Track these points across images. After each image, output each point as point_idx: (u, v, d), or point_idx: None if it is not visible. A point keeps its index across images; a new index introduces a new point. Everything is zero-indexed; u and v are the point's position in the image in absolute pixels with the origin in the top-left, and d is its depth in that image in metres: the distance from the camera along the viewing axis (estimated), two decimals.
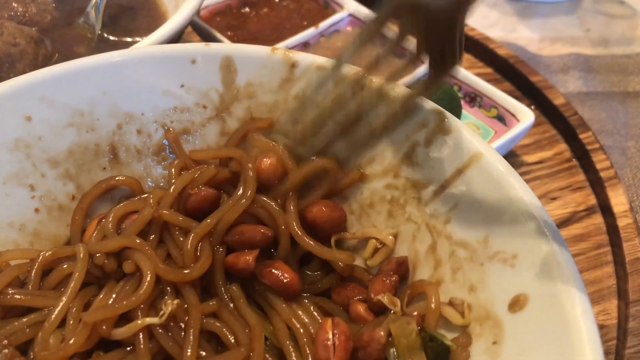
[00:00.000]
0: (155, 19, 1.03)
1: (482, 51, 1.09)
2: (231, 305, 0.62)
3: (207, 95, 0.74)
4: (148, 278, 0.60)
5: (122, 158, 0.75)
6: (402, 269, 0.64)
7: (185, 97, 0.74)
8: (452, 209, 0.61)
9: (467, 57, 1.08)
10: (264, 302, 0.64)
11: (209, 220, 0.65)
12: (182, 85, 0.74)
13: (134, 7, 1.06)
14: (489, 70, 1.05)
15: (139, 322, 0.58)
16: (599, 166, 0.87)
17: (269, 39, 1.03)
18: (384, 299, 0.59)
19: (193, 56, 0.73)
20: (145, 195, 0.71)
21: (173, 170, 0.71)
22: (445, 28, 0.52)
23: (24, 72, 0.90)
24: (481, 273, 0.57)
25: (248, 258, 0.63)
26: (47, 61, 0.94)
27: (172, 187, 0.67)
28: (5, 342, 0.59)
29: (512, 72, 1.04)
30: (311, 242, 0.63)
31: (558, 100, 0.97)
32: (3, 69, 0.90)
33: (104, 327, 0.59)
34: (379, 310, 0.62)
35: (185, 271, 0.62)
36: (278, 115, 0.73)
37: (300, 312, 0.62)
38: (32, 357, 0.60)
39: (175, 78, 0.73)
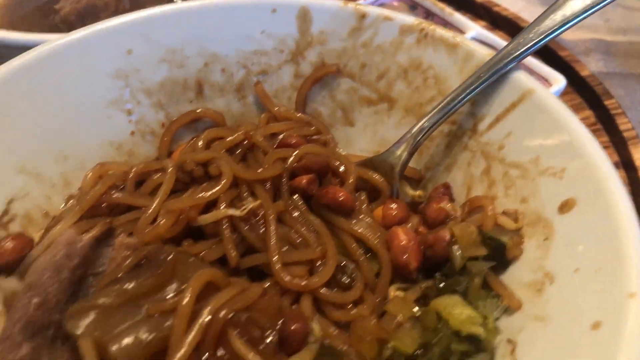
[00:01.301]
0: None
1: (514, 28, 1.19)
2: (295, 213, 0.71)
3: (284, 41, 0.84)
4: (226, 176, 0.68)
5: (207, 93, 0.85)
6: (449, 192, 0.74)
7: (264, 42, 0.84)
8: (506, 137, 0.71)
9: (500, 34, 1.18)
10: (324, 220, 0.71)
11: (289, 150, 0.74)
12: (262, 32, 0.84)
13: None
14: None
15: (222, 210, 0.67)
16: (622, 127, 0.97)
17: None
18: (447, 206, 0.68)
19: (274, 6, 0.83)
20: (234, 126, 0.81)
21: (263, 117, 0.84)
22: None
23: None
24: (532, 187, 0.66)
25: (303, 179, 0.71)
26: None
27: (266, 127, 0.78)
28: (119, 230, 0.68)
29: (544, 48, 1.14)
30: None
31: (584, 72, 1.07)
32: (88, 19, 1.00)
33: (191, 214, 0.67)
34: (435, 227, 0.71)
35: (259, 170, 0.70)
36: (346, 61, 0.83)
37: (361, 225, 0.70)
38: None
39: (257, 25, 0.83)
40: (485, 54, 0.74)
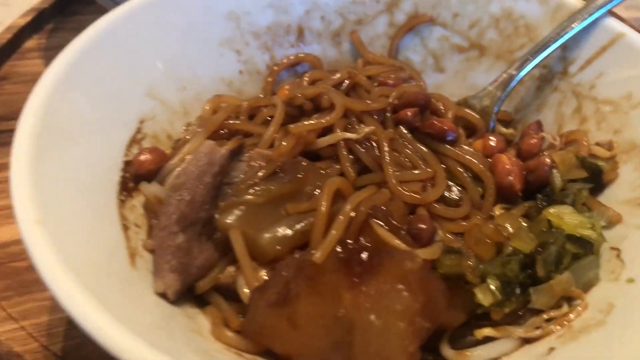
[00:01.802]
0: None
1: None
2: (402, 140, 0.76)
3: None
4: (339, 105, 0.74)
5: (307, 38, 0.91)
6: (541, 128, 0.80)
7: None
8: (597, 77, 0.77)
9: None
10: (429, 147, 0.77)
11: (390, 89, 0.80)
12: None
13: None
14: None
15: (340, 133, 0.72)
16: None
17: None
18: (548, 136, 0.75)
19: None
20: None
21: (359, 62, 0.89)
22: None
23: None
24: (625, 119, 0.72)
25: (408, 111, 0.77)
26: None
27: (364, 69, 0.85)
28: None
29: None
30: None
31: None
32: None
33: (310, 137, 0.73)
34: (527, 159, 0.77)
35: (368, 102, 0.76)
36: (440, 11, 0.90)
37: (465, 152, 0.76)
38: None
39: None
40: (575, 3, 0.80)
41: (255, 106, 0.82)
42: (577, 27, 0.78)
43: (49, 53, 1.14)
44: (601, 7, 0.77)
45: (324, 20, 0.91)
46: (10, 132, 0.98)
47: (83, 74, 0.69)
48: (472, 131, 0.82)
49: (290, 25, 0.90)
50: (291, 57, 0.90)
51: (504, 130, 0.82)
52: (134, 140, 0.73)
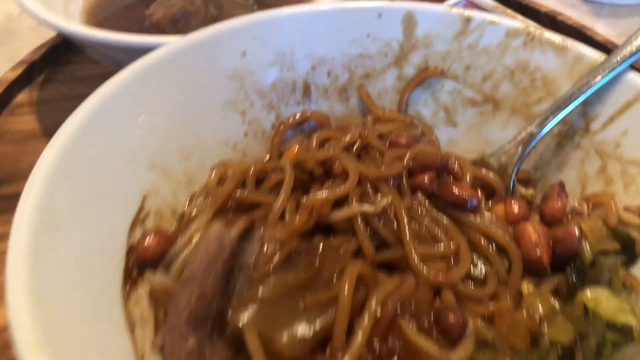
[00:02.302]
0: None
1: (579, 36, 1.22)
2: (420, 209, 0.73)
3: (388, 45, 0.86)
4: (353, 173, 0.70)
5: (313, 95, 0.87)
6: (564, 190, 0.76)
7: (369, 46, 0.86)
8: (621, 135, 0.73)
9: None
10: (449, 216, 0.74)
11: (404, 150, 0.76)
12: (367, 35, 0.86)
13: None
14: None
15: (356, 206, 0.69)
16: None
17: None
18: (575, 203, 0.71)
19: (379, 11, 0.85)
20: (342, 128, 0.83)
21: (369, 118, 0.86)
22: None
23: (197, 27, 1.02)
24: None
25: (424, 176, 0.74)
26: (213, 21, 1.06)
27: (375, 128, 0.81)
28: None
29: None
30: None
31: None
32: (180, 23, 1.02)
33: (324, 209, 0.69)
34: (553, 224, 0.73)
35: (382, 168, 0.73)
36: (450, 63, 0.86)
37: (487, 221, 0.72)
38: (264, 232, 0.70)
39: (362, 29, 0.86)
40: (595, 56, 0.77)
41: (263, 170, 0.78)
42: (599, 82, 0.74)
43: (41, 107, 1.10)
44: (623, 61, 0.74)
45: (331, 75, 0.87)
46: (5, 198, 0.94)
47: (81, 156, 0.64)
48: (490, 192, 0.78)
49: (296, 82, 0.86)
50: (297, 116, 0.86)
51: (523, 191, 0.78)
52: (137, 221, 0.69)
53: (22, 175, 0.95)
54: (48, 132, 1.04)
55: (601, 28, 1.43)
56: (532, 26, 0.81)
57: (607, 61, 0.75)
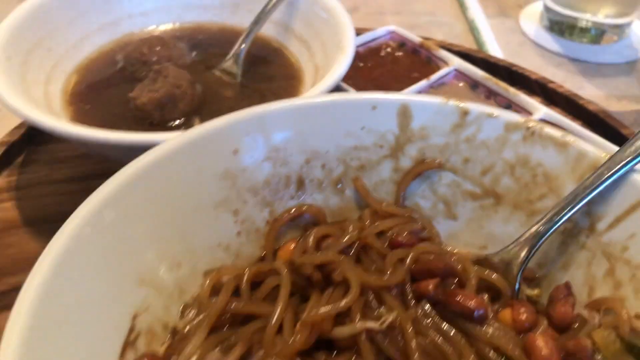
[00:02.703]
0: (288, 67, 1.13)
1: (570, 105, 1.22)
2: (426, 321, 0.70)
3: (384, 137, 0.84)
4: (355, 284, 0.68)
5: (307, 189, 0.84)
6: (571, 292, 0.74)
7: (364, 138, 0.84)
8: (629, 238, 0.71)
9: (557, 110, 1.20)
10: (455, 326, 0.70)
11: (405, 251, 0.74)
12: (362, 128, 0.84)
13: (265, 55, 1.17)
14: (578, 122, 1.17)
15: (360, 323, 0.66)
16: None
17: (391, 88, 1.14)
18: (584, 312, 0.68)
19: (374, 103, 0.83)
20: (339, 223, 0.80)
21: (366, 212, 0.83)
22: None
23: (184, 110, 1.00)
24: None
25: (429, 284, 0.71)
26: (200, 102, 1.04)
27: (374, 226, 0.78)
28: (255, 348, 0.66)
29: (601, 124, 1.17)
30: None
31: None
32: (167, 108, 0.99)
33: (325, 326, 0.66)
34: (562, 330, 0.71)
35: (385, 277, 0.70)
36: (448, 156, 0.84)
37: (495, 332, 0.69)
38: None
39: (357, 121, 0.83)
40: (598, 154, 0.75)
41: (258, 273, 0.75)
42: (604, 182, 0.72)
43: (21, 193, 1.05)
44: (629, 161, 0.72)
45: (325, 169, 0.84)
46: None
47: (66, 282, 0.60)
48: (495, 293, 0.75)
49: (289, 177, 0.83)
50: (292, 211, 0.83)
51: (529, 292, 0.76)
52: (128, 343, 0.65)
53: (4, 271, 0.91)
54: (29, 221, 1.00)
55: (590, 89, 1.43)
56: (532, 120, 0.80)
57: (611, 161, 0.73)
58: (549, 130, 0.78)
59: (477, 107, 0.82)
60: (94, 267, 0.64)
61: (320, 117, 0.82)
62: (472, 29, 1.59)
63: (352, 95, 0.84)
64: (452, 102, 0.82)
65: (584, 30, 1.55)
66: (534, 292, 0.76)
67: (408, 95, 0.84)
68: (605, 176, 0.72)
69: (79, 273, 0.62)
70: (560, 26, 1.58)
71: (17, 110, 0.84)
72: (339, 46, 1.00)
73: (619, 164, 0.72)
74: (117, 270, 0.67)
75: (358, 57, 1.25)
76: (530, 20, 1.65)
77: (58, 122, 0.83)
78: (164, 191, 0.73)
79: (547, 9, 1.61)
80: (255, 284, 0.75)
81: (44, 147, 1.13)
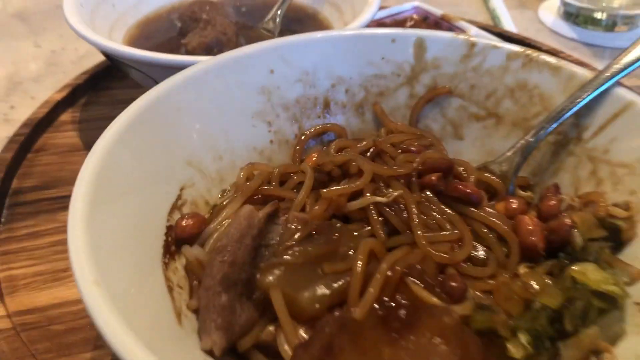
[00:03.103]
0: (320, 27, 1.27)
1: None
2: (428, 203, 0.80)
3: (401, 67, 0.97)
4: (367, 171, 0.78)
5: (332, 110, 0.97)
6: (559, 191, 0.84)
7: (384, 67, 0.97)
8: (610, 142, 0.81)
9: None
10: (455, 210, 0.81)
11: (414, 155, 0.85)
12: (382, 58, 0.96)
13: (301, 19, 1.31)
14: None
15: (369, 197, 0.77)
16: None
17: None
18: (567, 197, 0.79)
19: (393, 37, 0.96)
20: (358, 140, 0.93)
21: (382, 131, 0.95)
22: None
23: None
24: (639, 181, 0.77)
25: (433, 176, 0.82)
26: None
27: (388, 137, 0.90)
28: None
29: None
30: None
31: None
32: (214, 51, 1.13)
33: (341, 201, 0.77)
34: (547, 219, 0.81)
35: (395, 167, 0.81)
36: (457, 83, 0.96)
37: (489, 214, 0.79)
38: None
39: (377, 52, 0.96)
40: (586, 74, 0.86)
41: (286, 173, 0.87)
42: (588, 96, 0.83)
43: (83, 125, 1.20)
44: (611, 77, 0.83)
45: (349, 93, 0.97)
46: (49, 200, 1.04)
47: (129, 146, 0.74)
48: (492, 194, 0.86)
49: (317, 98, 0.96)
50: (318, 127, 0.95)
51: (522, 193, 0.86)
52: (175, 207, 0.78)
53: (64, 182, 1.05)
54: (88, 146, 1.13)
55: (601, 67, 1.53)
56: (530, 49, 0.91)
57: (597, 78, 0.84)
58: (544, 56, 0.90)
59: (483, 40, 0.94)
60: (150, 140, 0.77)
61: (345, 47, 0.96)
62: (493, 17, 1.72)
63: (374, 29, 0.97)
64: (462, 36, 0.95)
65: (598, 20, 1.66)
66: (527, 194, 0.87)
67: (424, 31, 0.96)
68: (589, 91, 0.83)
69: (138, 142, 0.75)
70: (575, 17, 1.70)
71: (85, 36, 0.99)
72: (366, 2, 1.13)
73: (602, 81, 0.83)
74: (169, 150, 0.80)
75: (385, 27, 1.39)
76: (549, 11, 1.77)
77: (117, 44, 0.98)
78: (211, 95, 0.86)
79: (563, 1, 1.73)
80: (282, 184, 0.87)
81: (104, 91, 1.29)
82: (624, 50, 0.85)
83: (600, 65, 1.51)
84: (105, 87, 1.30)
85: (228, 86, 0.88)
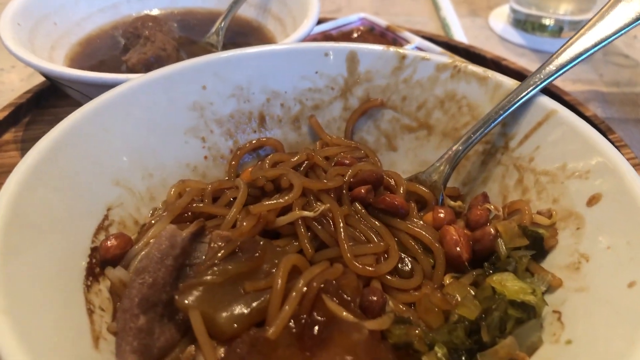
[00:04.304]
0: (264, 41, 1.28)
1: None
2: (357, 216, 0.81)
3: (334, 80, 0.97)
4: (297, 186, 0.79)
5: (268, 124, 0.97)
6: (487, 200, 0.85)
7: (318, 81, 0.97)
8: (534, 150, 0.83)
9: None
10: (382, 222, 0.81)
11: (346, 168, 0.86)
12: (316, 72, 0.97)
13: (246, 32, 1.32)
14: None
15: (297, 212, 0.77)
16: (626, 157, 1.10)
17: None
18: (491, 207, 0.80)
19: (326, 50, 0.97)
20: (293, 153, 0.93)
21: (318, 144, 0.96)
22: None
23: None
24: (561, 188, 0.78)
25: (362, 188, 0.82)
26: None
27: (322, 150, 0.90)
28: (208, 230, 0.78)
29: (548, 93, 1.29)
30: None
31: (588, 113, 1.21)
32: (154, 67, 1.13)
33: (269, 216, 0.77)
34: (475, 229, 0.82)
35: (325, 181, 0.81)
36: (389, 95, 0.96)
37: (416, 225, 0.80)
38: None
39: (311, 66, 0.97)
40: (511, 83, 0.87)
41: (219, 189, 0.87)
42: (513, 105, 0.84)
43: (26, 145, 1.19)
44: (535, 86, 0.84)
45: (284, 107, 0.97)
46: None
47: (52, 169, 0.73)
48: (423, 205, 0.87)
49: (252, 113, 0.96)
50: (253, 142, 0.96)
51: (452, 203, 0.87)
52: (101, 228, 0.77)
53: None
54: None
55: None
56: (459, 60, 0.92)
57: (521, 87, 0.85)
58: (472, 67, 0.91)
59: (412, 52, 0.95)
60: (76, 161, 0.77)
61: (280, 62, 0.96)
62: (444, 26, 1.74)
63: (307, 43, 0.98)
64: (392, 49, 0.96)
65: (545, 27, 1.69)
66: (457, 203, 0.87)
67: (355, 44, 0.97)
68: (515, 100, 0.84)
69: (63, 163, 0.75)
70: (524, 24, 1.72)
71: (18, 55, 0.98)
72: (305, 15, 1.14)
73: (526, 90, 0.85)
74: (95, 170, 0.79)
75: (331, 39, 1.40)
76: (499, 19, 1.79)
77: (55, 65, 0.97)
78: (140, 113, 0.86)
79: (512, 9, 1.75)
80: (216, 200, 0.87)
81: (49, 110, 1.28)
82: (547, 60, 0.87)
83: None
84: (50, 105, 1.29)
85: (158, 103, 0.88)
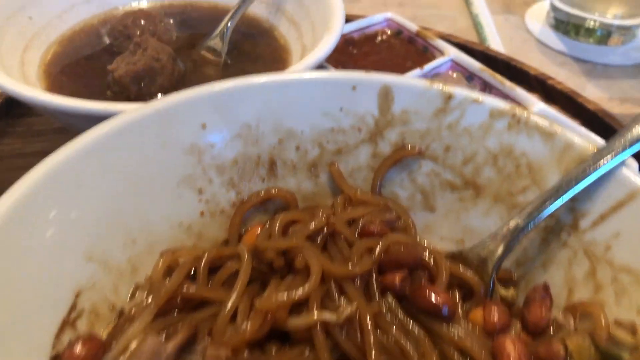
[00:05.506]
0: (275, 48, 1.09)
1: (569, 102, 1.17)
2: (390, 316, 0.65)
3: (363, 119, 0.80)
4: (316, 272, 0.63)
5: (279, 171, 0.80)
6: (549, 294, 0.69)
7: (342, 120, 0.80)
8: (613, 237, 0.66)
9: (556, 108, 1.14)
10: (420, 323, 0.65)
11: (374, 240, 0.69)
12: (341, 109, 0.79)
13: (254, 34, 1.13)
14: (577, 121, 1.12)
15: (316, 314, 0.61)
16: None
17: None
18: (560, 315, 0.63)
19: (354, 83, 0.79)
20: (309, 209, 0.76)
21: (339, 199, 0.79)
22: None
23: (162, 85, 0.96)
24: None
25: (395, 276, 0.67)
26: (180, 78, 0.99)
27: (345, 212, 0.74)
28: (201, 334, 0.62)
29: (601, 124, 1.11)
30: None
31: None
32: (145, 81, 0.95)
33: (279, 314, 0.61)
34: (536, 333, 0.66)
35: (349, 266, 0.65)
36: (429, 143, 0.79)
37: (462, 332, 0.64)
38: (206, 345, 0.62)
39: (335, 101, 0.79)
40: (586, 146, 0.70)
41: (218, 257, 0.70)
42: (590, 176, 0.67)
43: None
44: (617, 153, 0.67)
45: (300, 150, 0.80)
46: None
47: (5, 248, 0.56)
48: (467, 290, 0.71)
49: (260, 157, 0.79)
50: (261, 194, 0.79)
51: (503, 292, 0.71)
52: (67, 322, 0.61)
53: None
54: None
55: (592, 90, 1.37)
56: (518, 108, 0.75)
57: (599, 154, 0.68)
58: (535, 118, 0.74)
59: (461, 92, 0.77)
60: (36, 235, 0.60)
61: (296, 95, 0.78)
62: (476, 24, 1.54)
63: (331, 73, 0.80)
64: (436, 86, 0.78)
65: (591, 31, 1.50)
66: (510, 292, 0.71)
67: (390, 76, 0.79)
68: (591, 169, 0.67)
69: (15, 240, 0.58)
70: (566, 25, 1.53)
71: None
72: (327, 26, 0.95)
73: (606, 157, 0.67)
74: (62, 241, 0.63)
75: (352, 43, 1.21)
76: (536, 18, 1.60)
77: (21, 86, 0.79)
78: (122, 162, 0.69)
79: (553, 7, 1.56)
80: (215, 270, 0.71)
81: (21, 119, 1.10)
82: (630, 123, 0.69)
83: (589, 89, 1.35)
84: (22, 114, 1.10)
85: (146, 148, 0.71)
